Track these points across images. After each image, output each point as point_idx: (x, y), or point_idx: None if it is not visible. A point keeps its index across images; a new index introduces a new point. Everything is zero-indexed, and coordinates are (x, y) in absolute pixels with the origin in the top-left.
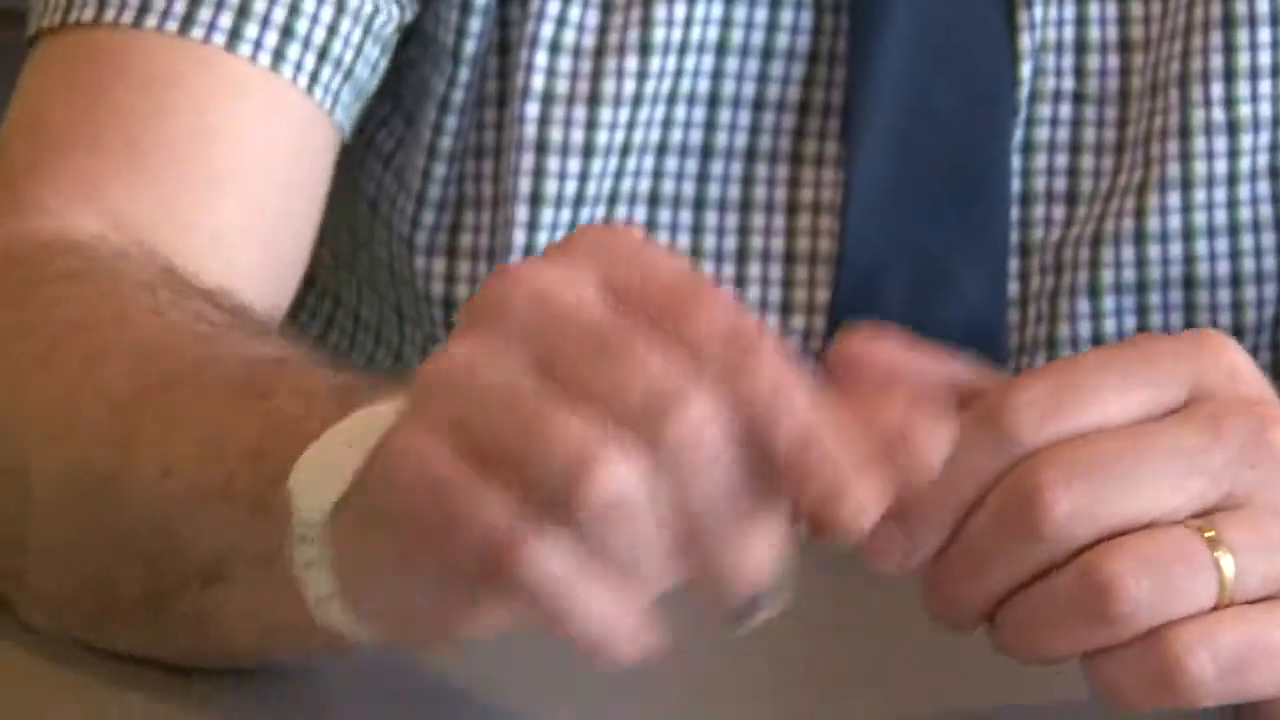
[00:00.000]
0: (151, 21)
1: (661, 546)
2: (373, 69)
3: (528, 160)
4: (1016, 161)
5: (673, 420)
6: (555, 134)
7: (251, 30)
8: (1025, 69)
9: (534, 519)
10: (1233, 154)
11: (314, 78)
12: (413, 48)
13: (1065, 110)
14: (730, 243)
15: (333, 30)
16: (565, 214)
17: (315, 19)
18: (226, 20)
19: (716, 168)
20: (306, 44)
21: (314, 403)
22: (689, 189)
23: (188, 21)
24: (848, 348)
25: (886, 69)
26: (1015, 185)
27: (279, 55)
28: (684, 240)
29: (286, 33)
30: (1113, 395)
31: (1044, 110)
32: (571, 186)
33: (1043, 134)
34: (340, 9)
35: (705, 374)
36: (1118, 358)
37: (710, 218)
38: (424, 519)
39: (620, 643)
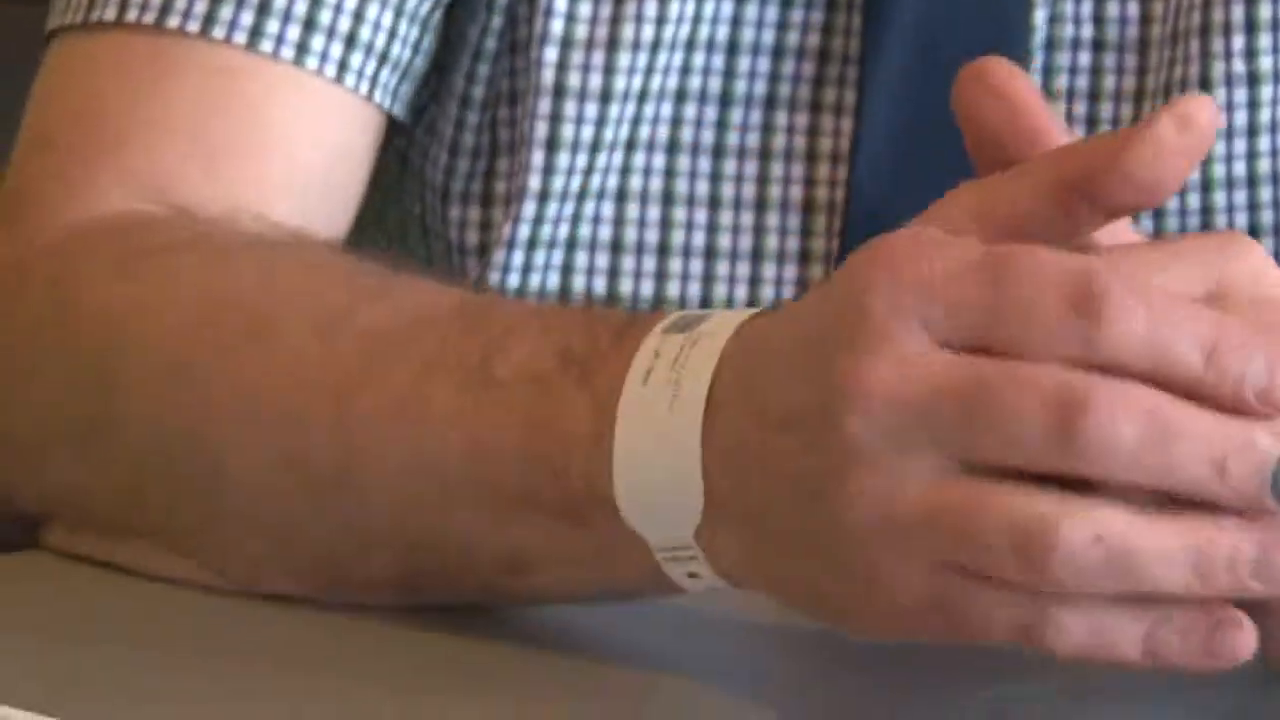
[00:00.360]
0: (194, 26)
1: None
2: (415, 48)
3: (544, 105)
4: None
5: None
6: (573, 79)
7: (273, 26)
8: (1040, 16)
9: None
10: (1253, 105)
11: (343, 66)
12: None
13: (1084, 58)
14: (749, 191)
15: (359, 17)
16: (581, 159)
17: (338, 8)
18: (248, 19)
19: (735, 115)
20: (331, 34)
21: (560, 381)
22: (708, 136)
23: (231, 26)
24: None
25: (901, 13)
26: None
27: (302, 49)
28: (702, 188)
29: (309, 25)
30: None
31: (1062, 58)
32: (588, 132)
33: (1061, 82)
34: None
35: None
36: (1146, 248)
37: (729, 165)
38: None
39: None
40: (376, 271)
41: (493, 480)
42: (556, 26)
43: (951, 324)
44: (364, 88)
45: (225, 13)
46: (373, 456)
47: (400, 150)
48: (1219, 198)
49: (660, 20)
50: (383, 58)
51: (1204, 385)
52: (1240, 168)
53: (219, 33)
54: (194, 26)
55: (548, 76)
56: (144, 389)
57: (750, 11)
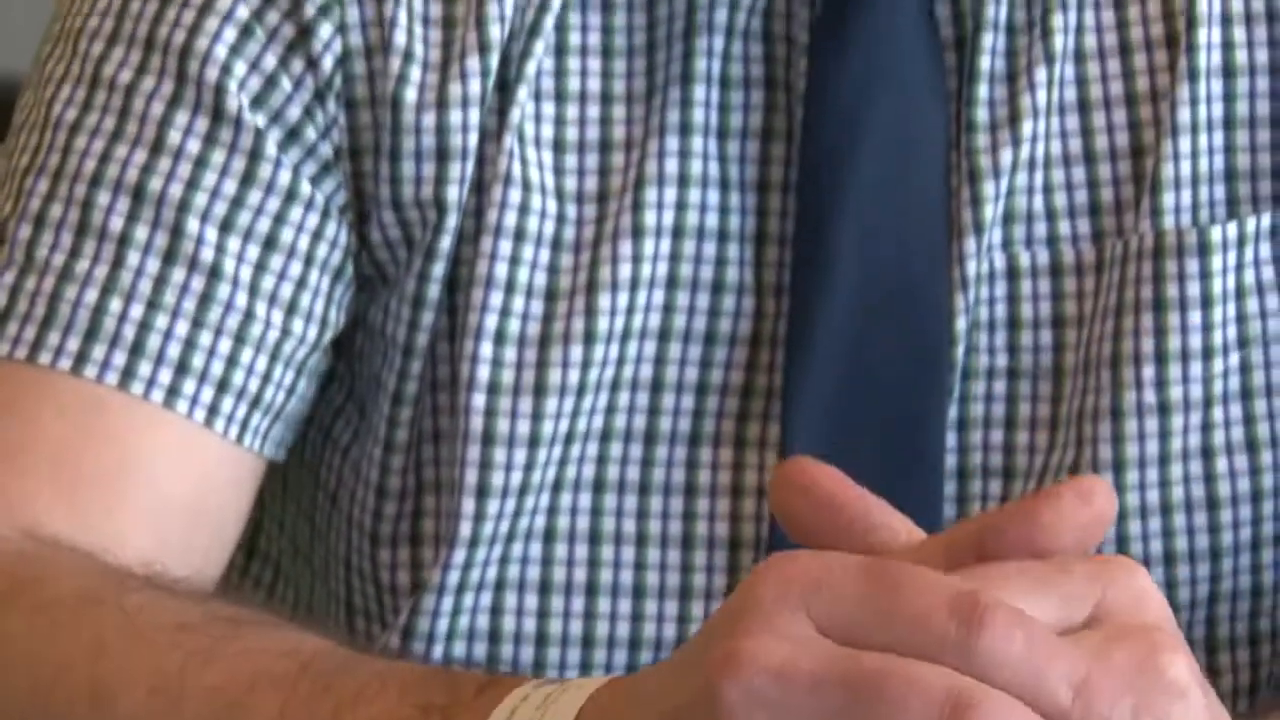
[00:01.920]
0: (65, 364)
1: None
2: (289, 392)
3: (474, 452)
4: (952, 438)
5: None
6: (502, 425)
7: (145, 369)
8: (958, 351)
9: None
10: (1164, 435)
11: (213, 410)
12: (361, 339)
13: (999, 386)
14: (675, 528)
15: (231, 362)
16: (510, 503)
17: (212, 351)
18: (120, 359)
19: (660, 452)
20: (202, 378)
21: None
22: (633, 474)
23: (104, 366)
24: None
25: (823, 347)
26: (951, 461)
27: (173, 392)
28: (629, 526)
29: (180, 369)
30: (1022, 602)
31: (978, 387)
32: (517, 477)
33: (978, 410)
34: (239, 339)
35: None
36: (1035, 567)
37: (654, 503)
38: None
39: None
40: (221, 624)
41: None
42: (483, 373)
43: (836, 615)
44: (234, 432)
45: (98, 352)
46: None
47: (330, 489)
48: (1133, 526)
49: (585, 364)
50: (254, 402)
51: (1072, 719)
52: (1153, 496)
53: (90, 372)
54: (65, 364)
55: (476, 423)
56: None
57: (673, 350)
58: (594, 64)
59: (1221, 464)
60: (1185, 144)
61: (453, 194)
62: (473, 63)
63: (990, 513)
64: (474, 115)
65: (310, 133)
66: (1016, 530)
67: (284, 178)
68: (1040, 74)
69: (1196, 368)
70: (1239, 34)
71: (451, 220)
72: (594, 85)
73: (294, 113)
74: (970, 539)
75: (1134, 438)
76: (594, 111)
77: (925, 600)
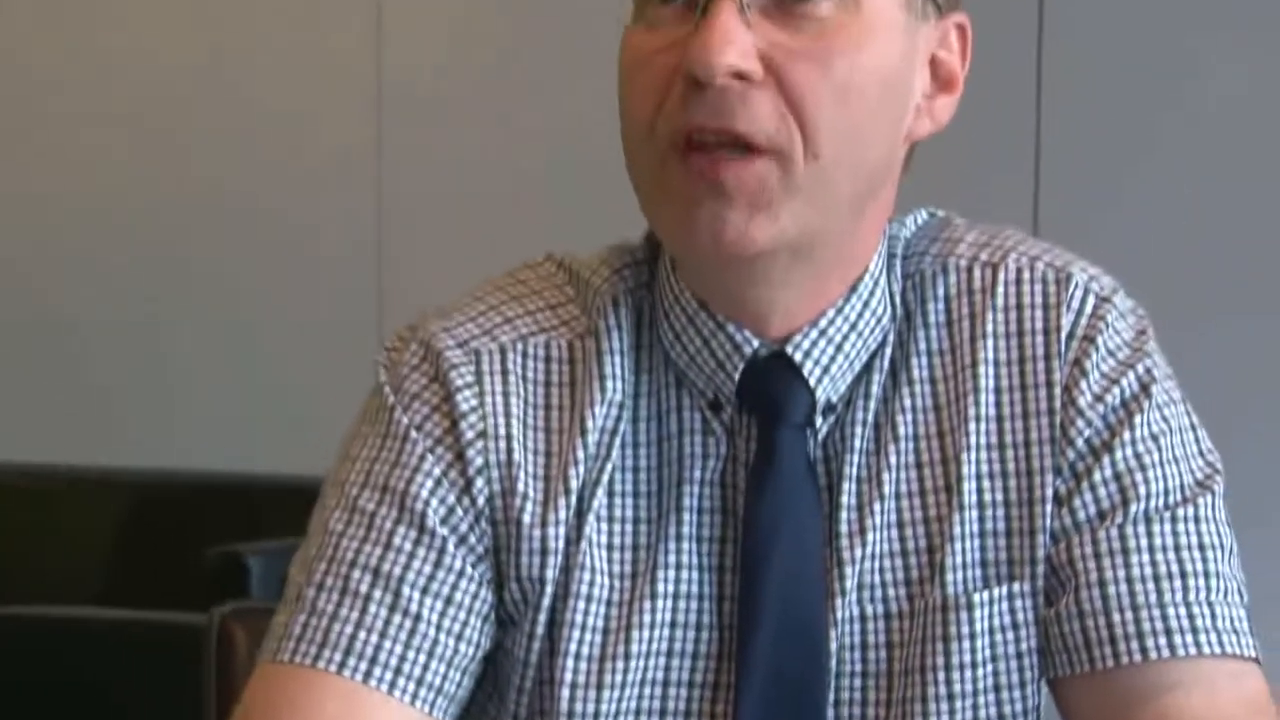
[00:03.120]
0: (332, 668)
1: None
2: (459, 685)
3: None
4: (830, 713)
5: None
6: (576, 706)
7: (377, 671)
8: (832, 661)
9: None
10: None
11: (414, 695)
12: (500, 656)
13: (858, 681)
14: None
15: (425, 667)
16: None
17: (414, 662)
18: (363, 666)
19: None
20: (409, 677)
21: None
22: None
23: (354, 670)
24: None
25: (757, 661)
26: None
27: (392, 685)
28: None
29: (397, 670)
30: None
31: (844, 681)
32: None
33: (844, 695)
34: (430, 654)
35: None
36: None
37: None
38: None
39: None
40: None
41: None
42: (567, 676)
43: None
44: (425, 707)
45: (351, 661)
46: None
47: None
48: None
49: (626, 671)
50: (439, 690)
51: None
52: None
53: (346, 674)
54: (333, 668)
55: (563, 705)
56: None
57: (675, 661)
58: (629, 500)
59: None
60: (957, 546)
61: (550, 575)
62: (561, 501)
63: None
64: (562, 530)
65: (472, 539)
66: None
67: (457, 564)
68: (876, 507)
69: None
70: (988, 484)
71: (549, 590)
72: (629, 512)
73: (463, 527)
74: None
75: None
76: (629, 526)
77: None
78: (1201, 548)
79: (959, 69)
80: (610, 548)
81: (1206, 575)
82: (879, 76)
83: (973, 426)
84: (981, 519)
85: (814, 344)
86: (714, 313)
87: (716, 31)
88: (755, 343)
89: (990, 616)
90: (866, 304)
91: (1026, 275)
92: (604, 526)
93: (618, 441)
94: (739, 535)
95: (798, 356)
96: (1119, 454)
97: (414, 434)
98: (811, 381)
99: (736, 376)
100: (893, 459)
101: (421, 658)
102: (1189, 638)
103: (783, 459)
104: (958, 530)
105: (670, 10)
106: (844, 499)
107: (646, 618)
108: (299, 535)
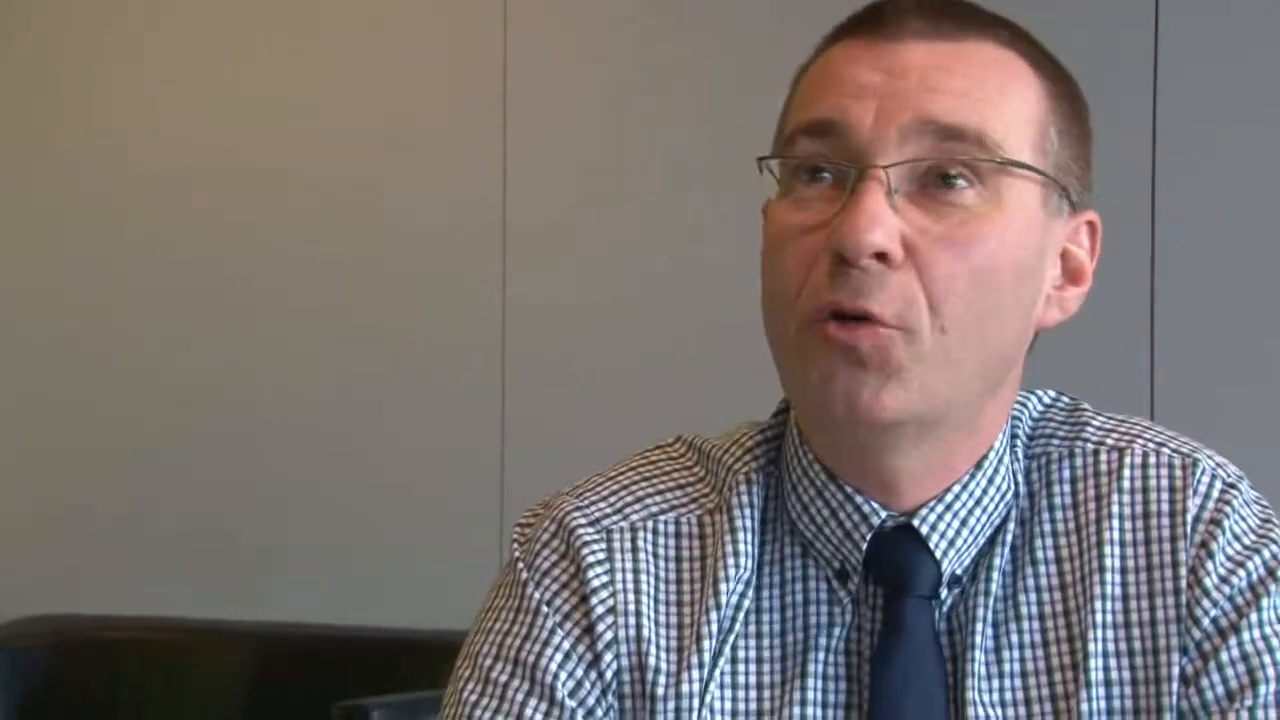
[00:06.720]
0: None
1: None
2: None
3: None
4: None
5: None
6: None
7: None
8: None
9: None
10: None
11: None
12: None
13: None
14: None
15: None
16: None
17: None
18: None
19: None
20: None
21: None
22: None
23: None
24: None
25: None
26: None
27: None
28: None
29: None
30: None
31: None
32: None
33: None
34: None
35: None
36: None
37: None
38: None
39: None
40: None
41: None
42: None
43: None
44: None
45: None
46: None
47: None
48: None
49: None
50: None
51: None
52: None
53: None
54: None
55: None
56: None
57: None
58: (752, 667)
59: None
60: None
61: None
62: (691, 674)
63: None
64: (693, 701)
65: (599, 711)
66: None
67: None
68: (998, 683)
69: None
70: (1114, 662)
71: None
72: (752, 679)
73: (590, 700)
74: None
75: None
76: (753, 693)
77: None
78: None
79: (1088, 263)
80: (735, 714)
81: None
82: (1014, 266)
83: (1098, 605)
84: (1109, 696)
85: (940, 517)
86: (842, 484)
87: (865, 214)
88: (883, 514)
89: None
90: (991, 480)
91: (1153, 460)
92: (727, 694)
93: (742, 615)
94: (863, 702)
95: (924, 529)
96: (1246, 635)
97: (545, 609)
98: (938, 554)
99: (864, 546)
100: (1014, 638)
101: None
102: None
103: (910, 628)
104: (1085, 707)
105: (817, 189)
106: (970, 666)
107: None
108: (424, 689)
